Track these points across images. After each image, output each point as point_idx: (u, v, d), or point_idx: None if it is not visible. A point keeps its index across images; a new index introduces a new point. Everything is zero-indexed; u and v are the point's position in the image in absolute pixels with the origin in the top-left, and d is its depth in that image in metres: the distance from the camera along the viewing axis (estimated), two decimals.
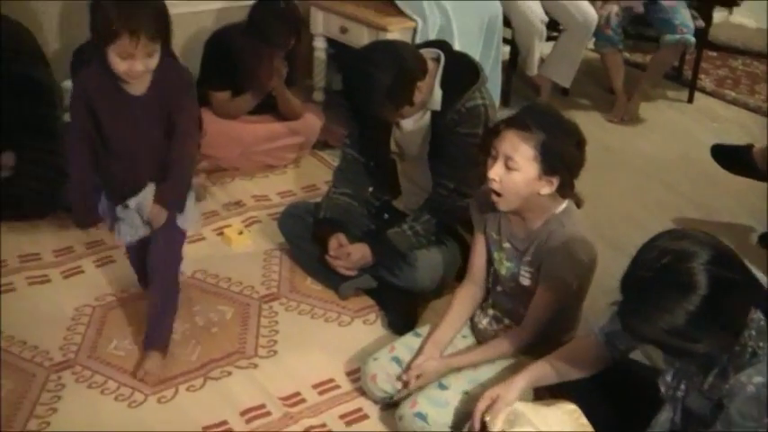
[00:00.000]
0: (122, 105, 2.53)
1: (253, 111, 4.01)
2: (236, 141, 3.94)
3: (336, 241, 3.01)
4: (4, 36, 3.37)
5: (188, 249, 3.10)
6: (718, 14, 5.82)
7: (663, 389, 1.99)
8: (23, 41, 3.47)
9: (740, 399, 1.76)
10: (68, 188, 2.76)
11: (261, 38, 3.76)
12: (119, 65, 2.39)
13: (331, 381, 2.75)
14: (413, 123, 2.94)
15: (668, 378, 1.98)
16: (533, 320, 2.44)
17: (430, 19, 4.12)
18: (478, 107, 2.83)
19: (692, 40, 4.76)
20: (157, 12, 2.42)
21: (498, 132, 2.30)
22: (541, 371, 2.25)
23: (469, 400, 2.34)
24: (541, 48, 4.84)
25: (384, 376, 2.57)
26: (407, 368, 2.50)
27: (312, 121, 4.13)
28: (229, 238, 3.45)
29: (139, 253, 2.85)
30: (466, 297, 2.63)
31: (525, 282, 2.46)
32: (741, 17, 6.42)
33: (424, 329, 2.68)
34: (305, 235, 3.16)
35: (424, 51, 2.90)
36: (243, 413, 2.60)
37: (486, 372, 2.46)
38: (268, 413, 2.61)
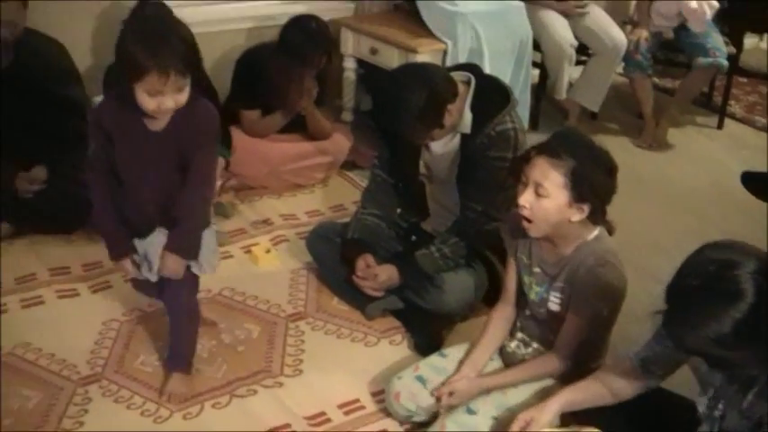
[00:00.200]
0: (138, 139, 2.42)
1: (282, 130, 4.04)
2: (264, 160, 3.96)
3: (364, 262, 3.02)
4: (38, 53, 3.42)
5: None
6: (749, 40, 5.81)
7: (701, 408, 1.98)
8: (58, 58, 3.51)
9: None
10: (96, 220, 2.68)
11: (292, 57, 3.79)
12: (148, 102, 2.28)
13: (356, 401, 2.75)
14: (442, 146, 2.95)
15: (707, 397, 1.97)
16: (565, 346, 2.43)
17: (461, 41, 4.14)
18: (508, 131, 2.84)
19: (725, 63, 4.75)
20: (186, 45, 2.29)
21: (529, 159, 2.30)
22: (575, 395, 2.24)
23: (498, 426, 2.34)
24: (570, 72, 4.84)
25: (407, 395, 2.57)
26: (442, 385, 2.50)
27: (341, 141, 4.15)
28: (257, 257, 3.47)
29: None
30: (501, 318, 2.63)
31: (554, 307, 2.45)
32: None
33: (449, 350, 2.68)
34: (332, 255, 3.17)
35: (454, 74, 2.91)
36: None
37: (515, 397, 2.45)
38: None
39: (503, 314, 2.63)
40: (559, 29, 4.68)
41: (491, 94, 2.89)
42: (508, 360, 2.62)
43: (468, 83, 2.89)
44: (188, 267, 2.58)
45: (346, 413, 2.70)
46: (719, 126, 5.24)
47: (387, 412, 2.67)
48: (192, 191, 2.48)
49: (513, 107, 2.88)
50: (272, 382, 2.81)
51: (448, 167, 2.98)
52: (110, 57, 3.49)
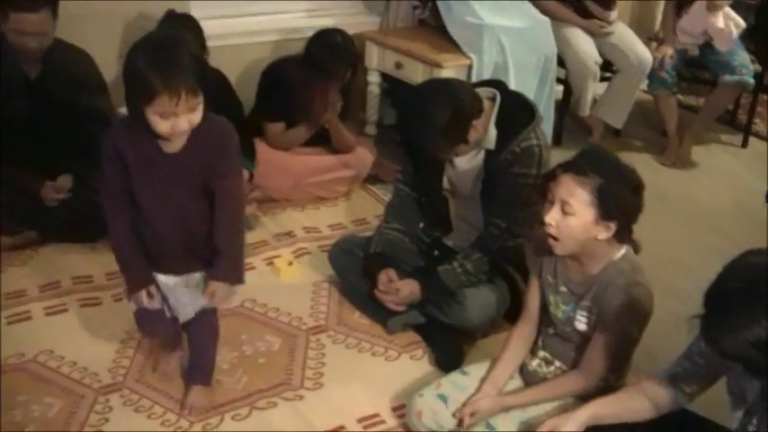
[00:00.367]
0: (155, 164, 2.32)
1: (305, 143, 4.05)
2: (288, 172, 3.98)
3: (386, 276, 3.02)
4: (66, 63, 3.46)
5: None
6: None
7: (734, 424, 1.97)
8: (85, 69, 3.54)
9: None
10: (116, 255, 2.53)
11: (317, 71, 3.81)
12: (161, 125, 2.18)
13: (376, 415, 2.74)
14: (466, 161, 2.95)
15: (740, 413, 1.95)
16: (593, 366, 2.42)
17: (486, 55, 4.15)
18: (533, 147, 2.83)
19: (751, 81, 4.73)
20: (195, 62, 2.20)
21: (555, 176, 2.30)
22: (603, 408, 2.23)
23: None
24: (594, 88, 4.84)
25: (429, 413, 2.55)
26: (463, 405, 2.49)
27: (364, 155, 4.16)
28: (279, 269, 3.48)
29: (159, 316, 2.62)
30: (521, 337, 2.61)
31: (581, 326, 2.44)
32: None
33: (470, 368, 2.67)
34: (355, 269, 3.18)
35: (480, 90, 2.91)
36: None
37: (535, 413, 2.44)
38: None
39: (524, 332, 2.62)
40: (584, 46, 4.68)
41: (516, 111, 2.89)
42: (529, 379, 2.61)
43: (493, 99, 2.89)
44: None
45: (366, 427, 2.69)
46: (744, 144, 5.21)
47: (406, 427, 2.66)
48: (225, 214, 2.39)
49: (538, 124, 2.88)
50: (292, 395, 2.81)
51: (471, 183, 2.98)
52: None
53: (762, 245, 3.97)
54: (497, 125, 2.85)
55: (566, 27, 4.67)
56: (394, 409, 2.76)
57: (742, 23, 4.71)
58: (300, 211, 4.02)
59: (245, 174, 3.69)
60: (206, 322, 2.68)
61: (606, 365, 2.40)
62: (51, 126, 3.44)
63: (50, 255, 3.49)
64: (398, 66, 4.34)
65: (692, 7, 4.71)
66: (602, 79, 4.87)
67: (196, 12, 3.77)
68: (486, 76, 4.09)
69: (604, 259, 2.37)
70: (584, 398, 2.37)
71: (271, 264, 3.53)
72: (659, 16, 5.51)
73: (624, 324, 2.34)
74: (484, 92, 2.91)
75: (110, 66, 3.69)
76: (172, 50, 2.17)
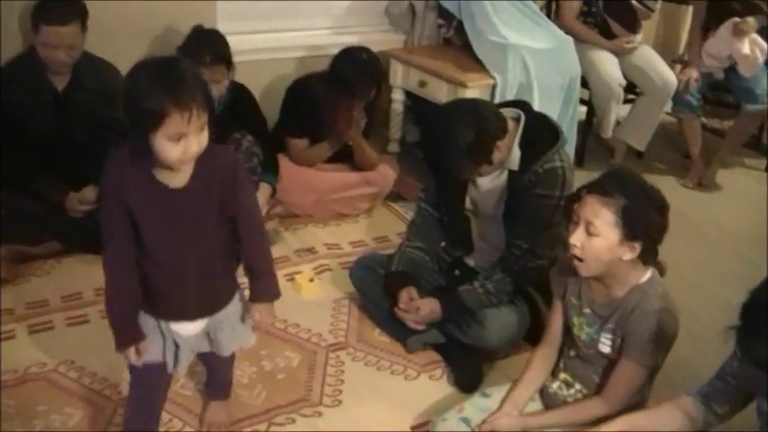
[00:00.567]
0: (160, 201, 2.10)
1: (328, 159, 4.07)
2: (310, 188, 3.99)
3: (407, 294, 3.02)
4: (94, 76, 3.50)
5: None
6: None
7: None
8: (112, 82, 3.57)
9: None
10: (106, 304, 2.28)
11: (342, 88, 3.83)
12: (172, 151, 1.97)
13: None
14: (489, 182, 2.95)
15: None
16: (616, 393, 2.39)
17: (510, 75, 4.16)
18: (556, 169, 2.83)
19: None
20: (199, 78, 2.04)
21: (579, 198, 2.30)
22: (633, 423, 2.22)
23: None
24: (618, 110, 4.82)
25: None
26: (482, 422, 2.49)
27: (386, 173, 4.16)
28: (300, 285, 3.48)
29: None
30: (543, 358, 2.60)
31: (605, 349, 2.43)
32: None
33: (492, 390, 2.66)
34: (375, 286, 3.18)
35: (504, 111, 2.91)
36: None
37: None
38: None
39: (545, 354, 2.61)
40: (608, 67, 4.68)
41: (540, 132, 2.89)
42: (549, 401, 2.59)
43: (517, 119, 2.89)
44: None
45: None
46: None
47: None
48: (254, 236, 2.27)
49: (562, 145, 2.88)
50: (310, 412, 2.81)
51: (494, 203, 2.98)
52: None
53: None
54: (521, 146, 2.85)
55: (590, 49, 4.67)
56: (413, 429, 2.76)
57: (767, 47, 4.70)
58: (322, 227, 4.03)
59: (268, 189, 3.71)
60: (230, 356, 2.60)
61: (630, 394, 2.39)
62: (78, 138, 3.48)
63: (73, 265, 3.51)
64: (422, 84, 4.35)
65: (719, 31, 4.70)
66: (626, 101, 4.86)
67: (223, 27, 3.79)
68: (511, 96, 4.09)
69: (629, 282, 2.35)
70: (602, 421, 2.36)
71: (292, 280, 3.53)
72: (684, 39, 5.53)
73: (650, 352, 2.32)
74: (508, 112, 2.91)
75: None
76: (174, 68, 2.00)
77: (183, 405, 2.78)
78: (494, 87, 4.17)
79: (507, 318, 2.96)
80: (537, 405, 2.61)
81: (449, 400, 2.79)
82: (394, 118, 4.60)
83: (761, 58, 4.64)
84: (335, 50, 4.01)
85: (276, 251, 3.68)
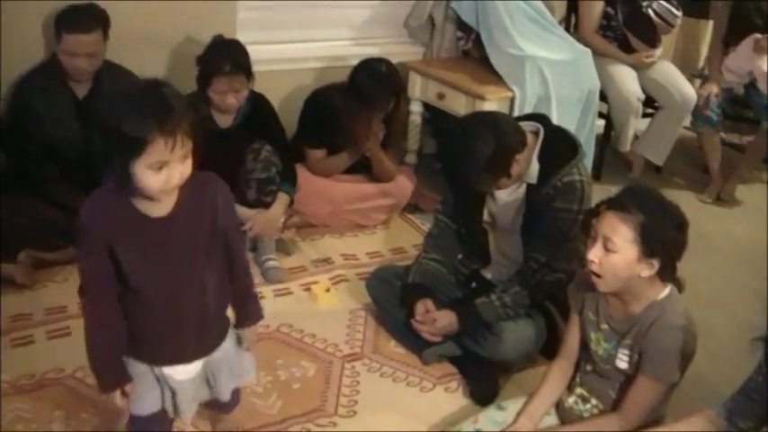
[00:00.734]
0: (143, 233, 1.98)
1: (346, 170, 4.08)
2: (327, 199, 4.00)
3: (423, 306, 3.01)
4: (114, 84, 3.51)
5: (275, 303, 3.15)
6: None
7: None
8: None
9: None
10: (87, 349, 2.13)
11: (361, 99, 3.84)
12: (153, 180, 1.86)
13: None
14: (508, 195, 2.95)
15: None
16: (635, 408, 2.38)
17: (529, 87, 4.16)
18: (575, 183, 2.83)
19: None
20: (183, 102, 1.93)
21: (598, 213, 2.30)
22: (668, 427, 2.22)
23: None
24: (636, 124, 4.82)
25: None
26: None
27: (404, 184, 4.17)
28: (316, 295, 3.49)
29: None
30: (559, 372, 2.59)
31: (622, 365, 2.42)
32: None
33: (507, 403, 2.66)
34: (392, 298, 3.18)
35: (523, 124, 2.91)
36: None
37: None
38: None
39: (562, 368, 2.60)
40: (627, 81, 4.67)
41: (559, 145, 2.89)
42: (565, 416, 2.58)
43: (536, 133, 2.89)
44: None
45: None
46: None
47: None
48: (241, 261, 2.22)
49: (580, 159, 2.88)
50: (326, 422, 2.80)
51: (512, 216, 2.98)
52: (181, 90, 3.61)
53: None
54: (540, 159, 2.85)
55: (609, 62, 4.67)
56: None
57: None
58: (339, 237, 4.03)
59: (286, 198, 3.72)
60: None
61: (647, 411, 2.38)
62: (95, 144, 3.48)
63: None
64: (441, 96, 4.36)
65: (740, 46, 4.69)
66: (645, 115, 4.86)
67: (243, 37, 3.81)
68: (529, 108, 4.10)
69: (647, 298, 2.35)
70: None
71: (308, 289, 3.54)
72: (703, 53, 5.51)
73: (668, 368, 2.32)
74: (527, 125, 2.91)
75: None
76: (157, 91, 1.88)
77: (197, 412, 2.77)
78: (512, 100, 4.17)
79: (524, 331, 2.95)
80: (552, 419, 2.60)
81: (464, 412, 2.78)
82: (412, 129, 4.61)
83: None
84: (355, 62, 4.03)
85: (293, 261, 3.72)
